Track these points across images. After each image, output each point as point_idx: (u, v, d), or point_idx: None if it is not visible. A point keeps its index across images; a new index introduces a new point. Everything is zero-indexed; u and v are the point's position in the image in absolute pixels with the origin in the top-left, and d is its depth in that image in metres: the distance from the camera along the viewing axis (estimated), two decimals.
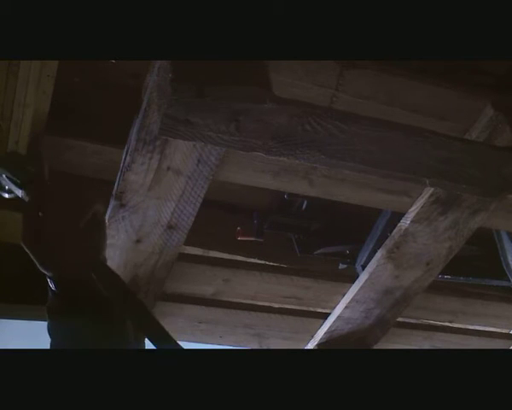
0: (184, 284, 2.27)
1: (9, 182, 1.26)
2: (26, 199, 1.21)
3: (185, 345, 2.32)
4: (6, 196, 1.30)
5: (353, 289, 2.28)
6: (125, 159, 1.77)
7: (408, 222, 2.03)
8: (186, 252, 2.25)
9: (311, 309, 2.48)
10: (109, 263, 1.89)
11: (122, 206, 1.81)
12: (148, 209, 1.83)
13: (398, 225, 2.08)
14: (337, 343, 2.42)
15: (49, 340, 1.28)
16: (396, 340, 2.56)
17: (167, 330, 1.25)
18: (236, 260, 2.45)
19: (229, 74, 1.43)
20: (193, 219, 1.89)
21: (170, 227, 1.89)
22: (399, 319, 2.46)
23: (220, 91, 1.42)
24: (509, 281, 2.57)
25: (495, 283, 2.70)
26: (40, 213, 1.15)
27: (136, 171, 1.73)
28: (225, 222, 2.55)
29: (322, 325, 2.43)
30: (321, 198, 2.06)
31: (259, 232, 2.50)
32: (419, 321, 2.64)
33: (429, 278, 2.24)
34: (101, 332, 1.20)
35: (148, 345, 1.54)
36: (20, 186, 1.25)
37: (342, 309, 2.34)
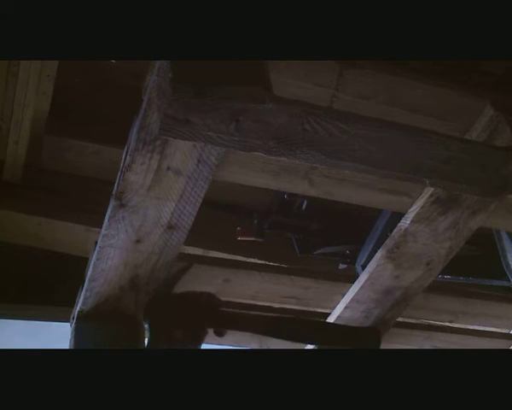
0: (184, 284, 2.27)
1: None
2: None
3: None
4: None
5: (353, 289, 2.28)
6: (125, 159, 1.77)
7: (408, 222, 2.03)
8: (186, 252, 2.25)
9: (311, 309, 2.48)
10: (109, 263, 1.92)
11: (122, 206, 1.81)
12: (148, 209, 1.83)
13: (398, 225, 2.07)
14: None
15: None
16: (396, 340, 2.55)
17: None
18: (236, 260, 2.45)
19: (229, 74, 1.43)
20: (193, 219, 1.89)
21: (170, 227, 1.89)
22: (399, 319, 2.46)
23: (220, 91, 1.41)
24: (509, 281, 2.57)
25: (495, 283, 2.70)
26: None
27: (136, 171, 1.73)
28: (225, 222, 2.55)
29: None
30: (321, 198, 2.05)
31: (259, 232, 2.51)
32: (419, 321, 2.64)
33: (429, 278, 2.24)
34: None
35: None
36: None
37: (342, 309, 2.34)
